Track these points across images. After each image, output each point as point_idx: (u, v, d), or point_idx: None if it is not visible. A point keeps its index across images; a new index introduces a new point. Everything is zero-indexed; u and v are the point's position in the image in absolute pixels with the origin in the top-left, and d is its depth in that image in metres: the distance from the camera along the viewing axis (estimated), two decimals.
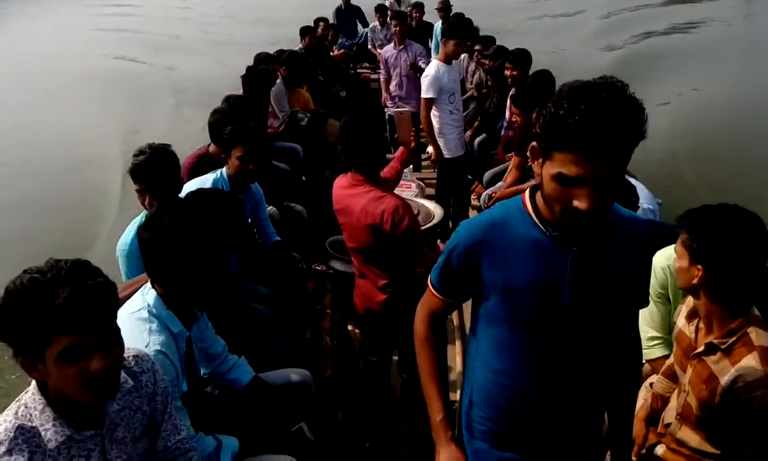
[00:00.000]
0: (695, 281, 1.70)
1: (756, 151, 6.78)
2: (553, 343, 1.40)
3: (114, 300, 1.30)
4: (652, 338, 2.25)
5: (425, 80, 4.43)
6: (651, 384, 2.13)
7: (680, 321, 1.91)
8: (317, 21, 7.66)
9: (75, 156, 7.74)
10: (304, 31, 7.02)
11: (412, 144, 3.03)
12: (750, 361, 1.60)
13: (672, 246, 2.13)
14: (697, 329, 1.81)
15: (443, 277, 1.53)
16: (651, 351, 2.24)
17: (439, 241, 4.63)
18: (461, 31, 4.47)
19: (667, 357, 2.15)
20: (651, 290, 2.15)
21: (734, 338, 1.66)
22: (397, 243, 2.42)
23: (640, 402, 2.01)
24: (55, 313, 1.20)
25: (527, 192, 1.38)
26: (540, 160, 1.25)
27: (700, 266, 1.68)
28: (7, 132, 8.99)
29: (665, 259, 2.16)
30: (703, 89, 9.16)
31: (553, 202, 1.24)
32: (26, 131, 8.92)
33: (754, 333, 1.64)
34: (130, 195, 2.74)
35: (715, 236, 1.63)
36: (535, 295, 1.36)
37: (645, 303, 1.49)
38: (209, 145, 3.53)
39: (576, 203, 1.18)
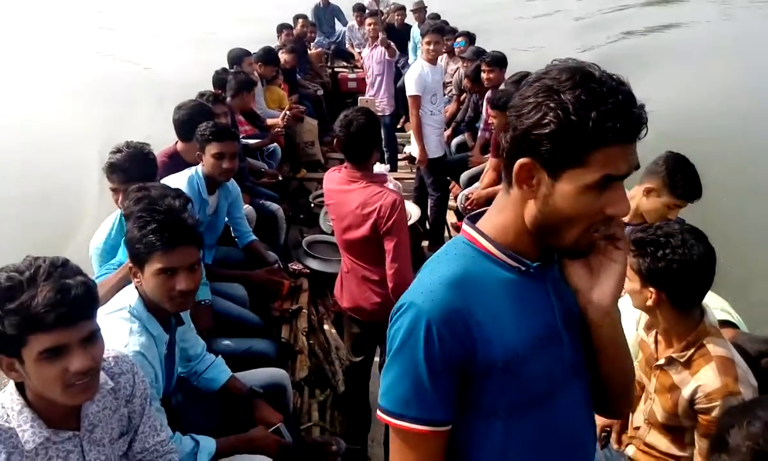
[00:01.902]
0: (649, 303, 1.73)
1: (735, 150, 6.93)
2: (565, 416, 1.08)
3: (94, 298, 1.30)
4: None
5: (410, 78, 4.45)
6: None
7: (641, 331, 1.98)
8: (296, 18, 7.64)
9: (52, 155, 7.55)
10: (281, 28, 6.99)
11: None
12: (708, 372, 1.66)
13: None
14: (656, 341, 1.88)
15: (419, 394, 0.98)
16: None
17: (426, 243, 4.67)
18: (433, 29, 4.52)
19: None
20: None
21: (692, 351, 1.72)
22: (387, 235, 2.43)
23: None
24: (34, 312, 1.19)
25: (469, 229, 1.07)
26: (546, 178, 0.95)
27: (652, 289, 1.71)
28: None
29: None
30: (680, 89, 9.35)
31: (577, 221, 0.95)
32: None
33: (711, 344, 1.70)
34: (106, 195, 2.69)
35: (662, 259, 1.66)
36: (541, 352, 1.02)
37: None
38: (176, 143, 3.46)
39: (614, 208, 0.95)
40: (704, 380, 1.66)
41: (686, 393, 1.70)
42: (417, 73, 4.41)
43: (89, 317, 1.29)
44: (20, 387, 1.32)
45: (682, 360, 1.73)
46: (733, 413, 1.27)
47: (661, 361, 1.80)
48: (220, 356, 2.32)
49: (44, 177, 7.00)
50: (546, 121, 0.91)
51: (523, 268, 1.02)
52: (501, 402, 1.01)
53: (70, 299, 1.22)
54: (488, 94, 4.74)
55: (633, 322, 2.02)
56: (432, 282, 1.00)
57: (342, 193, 2.54)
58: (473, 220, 1.09)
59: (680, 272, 1.65)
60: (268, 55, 5.63)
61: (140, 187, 2.22)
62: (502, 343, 0.99)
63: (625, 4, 18.82)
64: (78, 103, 9.74)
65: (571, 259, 1.04)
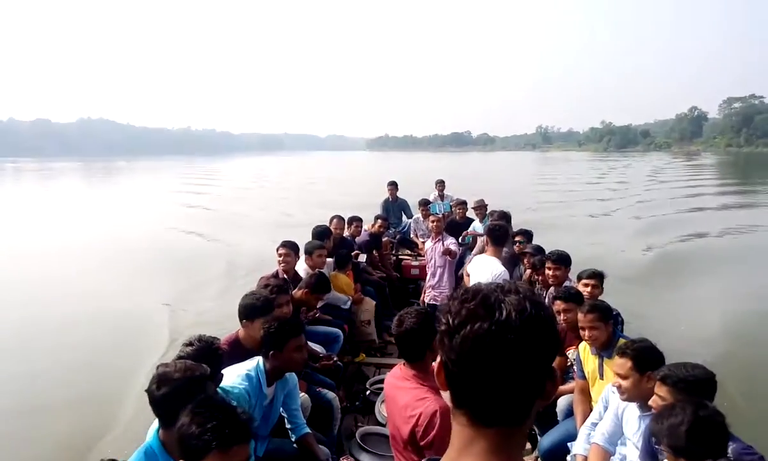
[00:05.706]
0: None
1: None
2: None
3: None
4: None
5: (473, 271, 4.62)
6: None
7: None
8: (377, 217, 8.10)
9: (122, 329, 7.94)
10: (351, 220, 7.49)
11: None
12: None
13: None
14: None
15: None
16: None
17: None
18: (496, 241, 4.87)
19: None
20: None
21: None
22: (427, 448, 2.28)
23: None
24: None
25: None
26: None
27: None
28: (54, 299, 9.51)
29: None
30: (743, 293, 9.07)
31: None
32: (74, 300, 9.40)
33: None
34: None
35: (683, 441, 1.98)
36: None
37: None
38: (239, 330, 3.54)
39: None
40: None
41: None
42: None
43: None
44: None
45: None
46: None
47: None
48: None
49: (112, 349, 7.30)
50: None
51: None
52: None
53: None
54: (551, 290, 4.72)
55: None
56: None
57: (394, 388, 2.50)
58: None
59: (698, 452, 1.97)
60: (323, 234, 5.99)
61: (162, 365, 2.28)
62: None
63: (697, 207, 19.23)
64: (150, 276, 10.48)
65: None
